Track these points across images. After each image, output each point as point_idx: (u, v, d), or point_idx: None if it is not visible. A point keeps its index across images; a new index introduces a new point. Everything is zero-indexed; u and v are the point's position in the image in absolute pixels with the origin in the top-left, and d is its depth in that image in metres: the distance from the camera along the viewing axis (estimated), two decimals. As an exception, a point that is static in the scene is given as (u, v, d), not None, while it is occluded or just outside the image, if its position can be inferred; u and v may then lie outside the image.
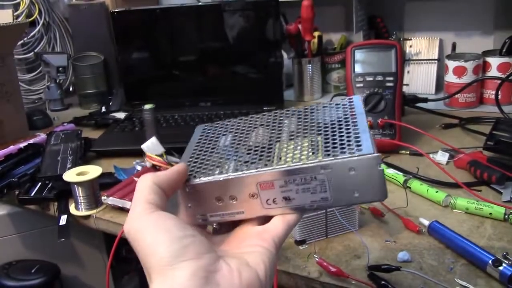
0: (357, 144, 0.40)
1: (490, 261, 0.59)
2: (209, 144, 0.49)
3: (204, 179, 0.42)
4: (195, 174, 0.43)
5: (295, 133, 0.45)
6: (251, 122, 0.51)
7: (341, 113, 0.47)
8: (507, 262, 0.59)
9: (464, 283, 0.58)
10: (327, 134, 0.43)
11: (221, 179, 0.42)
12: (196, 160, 0.46)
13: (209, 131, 0.52)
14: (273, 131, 0.47)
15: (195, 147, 0.49)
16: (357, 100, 0.49)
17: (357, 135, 0.41)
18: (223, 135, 0.50)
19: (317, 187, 0.40)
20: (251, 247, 0.40)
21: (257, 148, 0.44)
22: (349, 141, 0.41)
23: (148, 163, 0.47)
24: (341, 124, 0.44)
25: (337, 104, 0.49)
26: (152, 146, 0.46)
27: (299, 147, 0.42)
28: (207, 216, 0.44)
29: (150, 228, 0.35)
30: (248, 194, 0.42)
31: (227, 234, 0.44)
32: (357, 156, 0.38)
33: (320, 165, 0.39)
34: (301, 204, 0.42)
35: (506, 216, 0.70)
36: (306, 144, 0.43)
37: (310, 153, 0.41)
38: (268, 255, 0.39)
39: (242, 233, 0.43)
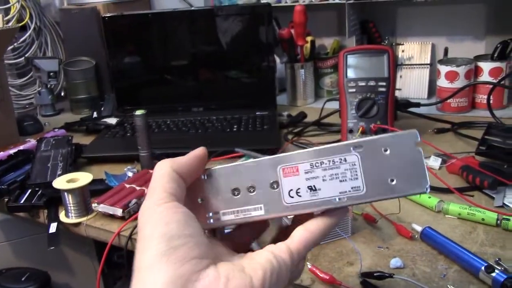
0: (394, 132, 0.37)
1: (482, 268, 0.59)
2: None
3: (223, 165, 0.39)
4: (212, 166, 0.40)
5: None
6: None
7: None
8: (499, 268, 0.58)
9: (457, 290, 0.58)
10: None
11: (241, 163, 0.39)
12: None
13: None
14: None
15: None
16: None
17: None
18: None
19: (347, 173, 0.36)
20: (259, 252, 0.36)
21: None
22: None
23: None
24: None
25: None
26: None
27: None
28: (220, 215, 0.39)
29: (152, 221, 0.33)
30: (269, 183, 0.38)
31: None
32: (392, 133, 0.36)
33: (350, 144, 0.36)
34: (329, 197, 0.37)
35: (498, 222, 0.70)
36: None
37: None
38: (274, 263, 0.35)
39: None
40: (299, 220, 0.39)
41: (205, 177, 0.39)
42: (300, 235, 0.37)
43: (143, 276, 0.31)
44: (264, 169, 0.38)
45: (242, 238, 0.42)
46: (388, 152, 0.35)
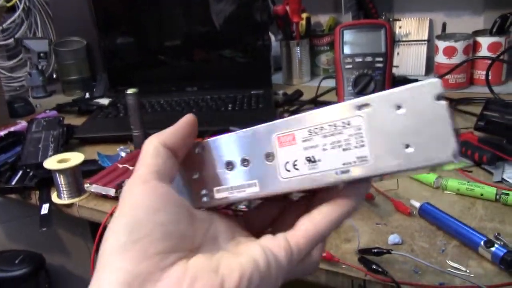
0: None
1: (482, 242, 0.58)
2: None
3: (216, 136, 0.35)
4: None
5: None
6: None
7: None
8: (499, 242, 0.58)
9: (456, 265, 0.57)
10: None
11: (235, 133, 0.34)
12: None
13: None
14: None
15: None
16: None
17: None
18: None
19: (351, 140, 0.30)
20: (247, 245, 0.31)
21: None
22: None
23: None
24: None
25: None
26: None
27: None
28: (214, 192, 0.35)
29: (123, 205, 0.29)
30: (264, 155, 0.33)
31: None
32: (406, 86, 0.28)
33: (354, 102, 0.29)
34: (330, 169, 0.30)
35: (497, 197, 0.69)
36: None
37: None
38: (259, 263, 0.29)
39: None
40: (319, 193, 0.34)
41: (198, 151, 0.36)
42: (304, 228, 0.31)
43: (99, 274, 0.27)
44: (259, 139, 0.33)
45: (259, 218, 0.38)
46: (402, 110, 0.28)
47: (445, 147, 0.27)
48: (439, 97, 0.27)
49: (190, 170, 0.36)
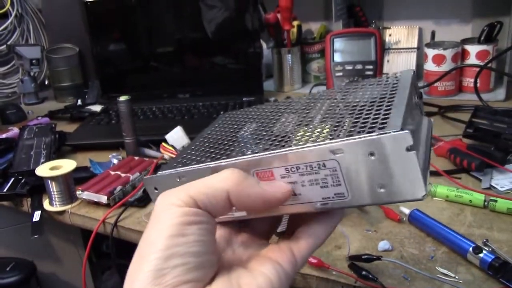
0: (383, 121, 0.30)
1: (470, 249, 0.58)
2: (224, 132, 0.43)
3: (193, 166, 0.36)
4: (188, 162, 0.38)
5: (328, 117, 0.36)
6: (281, 107, 0.43)
7: (386, 89, 0.38)
8: (487, 249, 0.58)
9: (445, 271, 0.58)
10: (359, 115, 0.33)
11: (211, 165, 0.35)
12: (199, 148, 0.40)
13: (230, 119, 0.46)
14: (303, 117, 0.38)
15: (205, 135, 0.44)
16: (407, 73, 0.40)
17: (388, 111, 0.32)
18: (248, 122, 0.43)
19: (328, 179, 0.31)
20: (259, 261, 0.33)
21: (277, 136, 0.36)
22: (375, 119, 0.31)
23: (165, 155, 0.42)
24: (379, 102, 0.35)
25: (379, 80, 0.41)
26: (176, 136, 0.42)
27: (318, 130, 0.34)
28: None
29: (160, 226, 0.29)
30: None
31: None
32: (376, 134, 0.29)
33: (328, 148, 0.30)
34: (310, 202, 0.33)
35: (485, 203, 0.70)
36: (328, 127, 0.33)
37: (329, 137, 0.31)
38: (272, 282, 0.31)
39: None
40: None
41: (181, 179, 0.37)
42: (308, 241, 0.34)
43: None
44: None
45: (261, 227, 0.39)
46: (374, 157, 0.29)
47: (415, 190, 0.29)
48: (409, 148, 0.28)
49: None
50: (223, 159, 0.35)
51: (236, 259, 0.34)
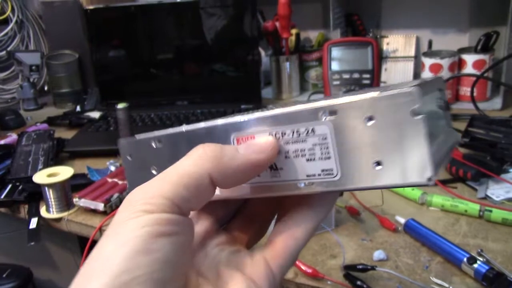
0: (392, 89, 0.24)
1: (465, 259, 0.59)
2: None
3: (170, 130, 0.32)
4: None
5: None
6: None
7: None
8: (481, 259, 0.59)
9: (439, 282, 0.58)
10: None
11: (191, 129, 0.31)
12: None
13: None
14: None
15: None
16: (437, 78, 0.32)
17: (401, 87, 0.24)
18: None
19: (316, 149, 0.26)
20: (231, 277, 0.27)
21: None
22: (384, 90, 0.24)
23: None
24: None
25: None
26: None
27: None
28: None
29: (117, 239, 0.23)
30: None
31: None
32: (377, 93, 0.23)
33: (320, 107, 0.25)
34: (293, 180, 0.27)
35: (481, 213, 0.70)
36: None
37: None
38: None
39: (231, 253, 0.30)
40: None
41: (156, 145, 0.32)
42: (285, 245, 0.28)
43: None
44: (217, 138, 0.29)
45: (242, 233, 0.33)
46: (372, 122, 0.24)
47: (419, 170, 0.23)
48: (416, 112, 0.22)
49: (150, 164, 0.33)
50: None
51: (207, 267, 0.28)
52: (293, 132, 0.27)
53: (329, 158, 0.26)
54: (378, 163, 0.24)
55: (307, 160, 0.27)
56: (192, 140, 0.30)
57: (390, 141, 0.24)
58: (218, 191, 0.28)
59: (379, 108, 0.23)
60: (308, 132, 0.26)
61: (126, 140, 0.34)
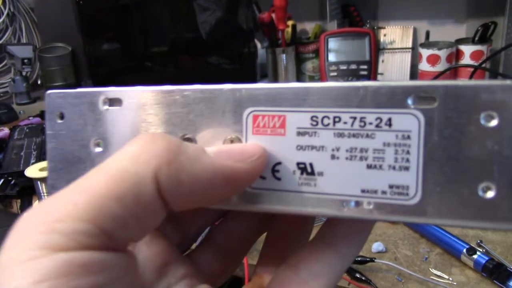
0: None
1: (464, 250, 0.58)
2: None
3: (131, 87, 0.23)
4: None
5: None
6: None
7: None
8: (481, 250, 0.58)
9: (438, 273, 0.57)
10: None
11: (183, 90, 0.22)
12: None
13: None
14: None
15: None
16: None
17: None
18: None
19: (388, 152, 0.17)
20: None
21: None
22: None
23: None
24: None
25: None
26: None
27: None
28: None
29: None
30: (227, 142, 0.20)
31: None
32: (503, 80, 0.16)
33: (407, 88, 0.17)
34: (336, 194, 0.18)
35: (480, 204, 0.70)
36: None
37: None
38: None
39: None
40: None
41: (106, 106, 0.22)
42: None
43: None
44: (221, 112, 0.20)
45: (209, 264, 0.24)
46: (494, 121, 0.16)
47: None
48: None
49: (91, 136, 0.24)
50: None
51: None
52: (354, 120, 0.17)
53: (407, 169, 0.17)
54: (486, 189, 0.16)
55: (368, 167, 0.18)
56: (175, 107, 0.21)
57: None
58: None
59: (508, 101, 0.16)
60: (380, 123, 0.17)
61: (59, 92, 0.22)
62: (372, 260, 0.59)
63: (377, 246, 0.63)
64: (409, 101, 0.17)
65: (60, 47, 1.55)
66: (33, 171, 0.81)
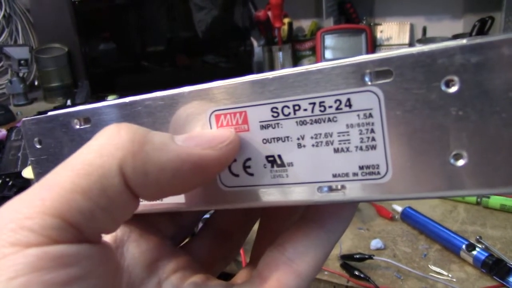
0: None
1: (463, 246, 0.58)
2: None
3: (99, 103, 0.22)
4: None
5: None
6: None
7: None
8: (480, 246, 0.58)
9: (438, 269, 0.57)
10: None
11: (126, 101, 0.21)
12: None
13: None
14: None
15: None
16: None
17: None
18: None
19: (353, 133, 0.17)
20: None
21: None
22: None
23: None
24: None
25: None
26: None
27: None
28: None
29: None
30: None
31: None
32: (465, 41, 0.15)
33: (361, 65, 0.16)
34: (308, 182, 0.18)
35: (478, 200, 0.70)
36: None
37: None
38: None
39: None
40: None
41: (81, 124, 0.22)
42: (284, 285, 0.18)
43: None
44: (185, 117, 0.20)
45: (205, 252, 0.24)
46: (456, 88, 0.15)
47: None
48: None
49: (69, 155, 0.23)
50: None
51: None
52: (314, 106, 0.17)
53: (374, 147, 0.17)
54: (458, 156, 0.15)
55: (336, 150, 0.17)
56: (140, 118, 0.20)
57: (480, 119, 0.15)
58: (182, 199, 0.20)
59: (468, 63, 0.14)
60: (340, 105, 0.17)
61: (32, 119, 0.22)
62: (370, 257, 0.59)
63: (375, 243, 0.63)
64: (366, 78, 0.16)
65: (57, 48, 1.54)
66: (31, 172, 0.80)
